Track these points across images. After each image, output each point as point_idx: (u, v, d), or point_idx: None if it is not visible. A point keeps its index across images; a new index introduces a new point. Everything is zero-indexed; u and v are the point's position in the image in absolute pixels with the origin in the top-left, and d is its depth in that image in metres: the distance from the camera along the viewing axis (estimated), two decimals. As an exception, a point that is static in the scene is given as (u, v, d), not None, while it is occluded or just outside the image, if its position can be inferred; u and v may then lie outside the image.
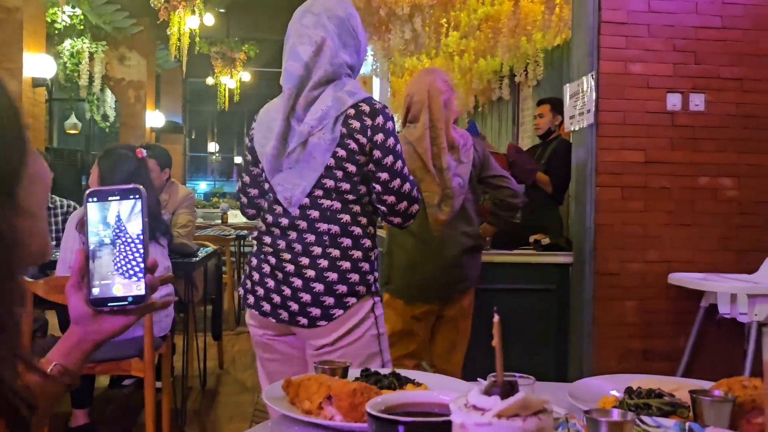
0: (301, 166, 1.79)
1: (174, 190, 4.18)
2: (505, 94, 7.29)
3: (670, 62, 3.77)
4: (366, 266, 1.83)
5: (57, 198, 4.45)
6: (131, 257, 0.95)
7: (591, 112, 3.74)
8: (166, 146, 4.31)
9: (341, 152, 1.78)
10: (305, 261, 1.78)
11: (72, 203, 4.54)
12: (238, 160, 14.75)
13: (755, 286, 3.30)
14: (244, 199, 2.00)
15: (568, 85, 4.08)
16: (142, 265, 0.95)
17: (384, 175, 1.81)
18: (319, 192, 1.79)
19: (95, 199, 0.95)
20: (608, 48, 3.73)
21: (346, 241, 1.80)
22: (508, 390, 0.70)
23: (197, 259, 3.81)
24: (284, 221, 1.82)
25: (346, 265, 1.79)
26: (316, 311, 1.77)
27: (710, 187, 3.81)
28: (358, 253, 1.81)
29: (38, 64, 6.91)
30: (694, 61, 3.78)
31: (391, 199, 1.83)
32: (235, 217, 8.13)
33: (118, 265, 0.95)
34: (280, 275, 1.80)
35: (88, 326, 0.96)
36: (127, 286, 0.95)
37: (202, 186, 14.45)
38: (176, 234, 3.94)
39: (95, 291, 0.95)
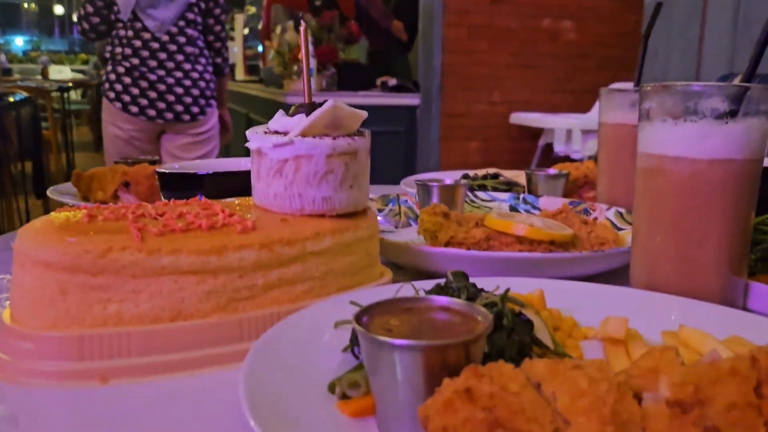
0: (172, 3, 2.40)
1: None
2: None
3: None
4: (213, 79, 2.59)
5: None
6: None
7: (439, -55, 3.56)
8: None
9: None
10: (180, 74, 2.44)
11: None
12: (59, 10, 13.06)
13: (588, 122, 3.44)
14: (87, 26, 2.45)
15: None
16: None
17: (218, 10, 2.55)
18: (183, 23, 2.43)
19: None
20: None
21: (204, 60, 2.51)
22: (315, 109, 0.57)
23: (5, 103, 3.33)
24: (155, 45, 2.40)
25: (207, 77, 2.53)
26: (196, 109, 2.50)
27: (552, 28, 3.84)
28: (210, 69, 2.55)
29: None
30: None
31: (218, 28, 2.57)
32: (60, 73, 7.30)
33: None
34: (162, 87, 2.42)
35: None
36: None
37: (18, 42, 12.70)
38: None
39: None
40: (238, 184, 0.66)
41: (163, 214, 0.52)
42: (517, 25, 3.77)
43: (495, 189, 1.05)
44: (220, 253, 0.48)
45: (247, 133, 0.58)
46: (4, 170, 3.67)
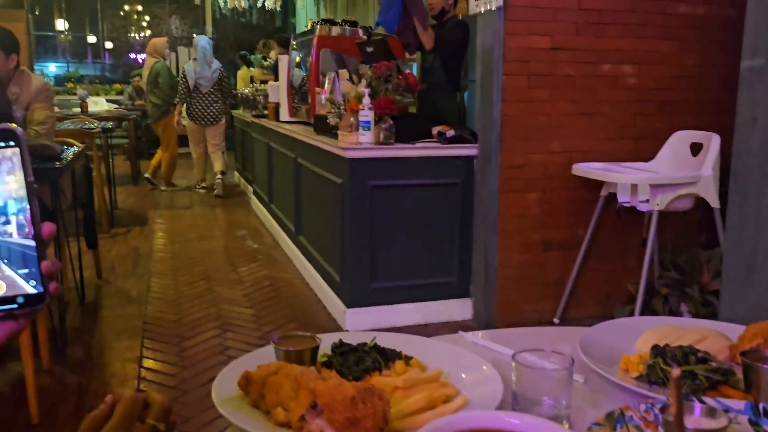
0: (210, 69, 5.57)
1: (26, 81, 3.52)
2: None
3: (579, -60, 3.55)
4: None
5: None
6: (14, 240, 0.61)
7: (499, -6, 3.48)
8: (5, 25, 3.59)
9: None
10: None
11: None
12: (92, 39, 13.13)
13: (655, 176, 3.34)
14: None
15: (474, -38, 3.76)
16: (32, 250, 0.62)
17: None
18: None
19: None
20: None
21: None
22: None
23: (63, 162, 3.29)
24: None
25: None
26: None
27: (612, 74, 3.74)
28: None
29: None
30: (602, -61, 3.59)
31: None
32: (96, 104, 7.29)
33: None
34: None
35: None
36: (13, 283, 0.62)
37: (52, 68, 12.63)
38: (33, 133, 3.38)
39: None
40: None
41: None
42: (576, 72, 3.68)
43: (708, 379, 0.93)
44: None
45: None
46: (58, 223, 3.63)
